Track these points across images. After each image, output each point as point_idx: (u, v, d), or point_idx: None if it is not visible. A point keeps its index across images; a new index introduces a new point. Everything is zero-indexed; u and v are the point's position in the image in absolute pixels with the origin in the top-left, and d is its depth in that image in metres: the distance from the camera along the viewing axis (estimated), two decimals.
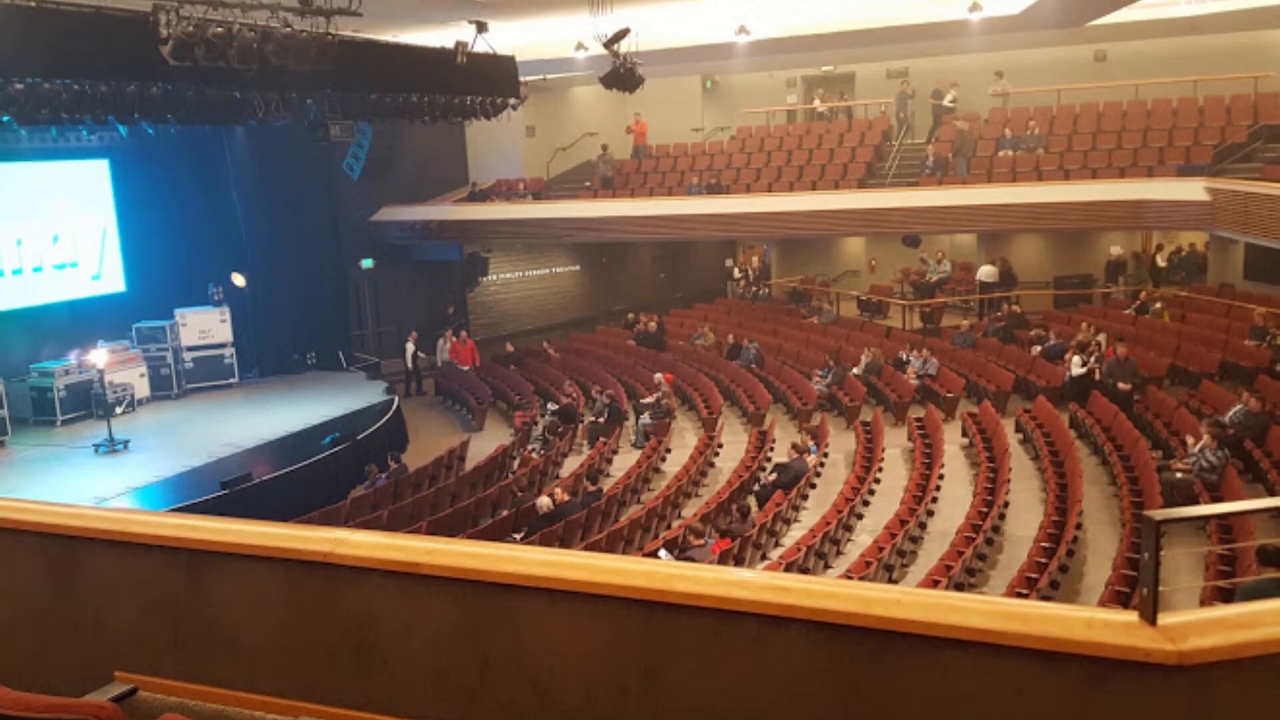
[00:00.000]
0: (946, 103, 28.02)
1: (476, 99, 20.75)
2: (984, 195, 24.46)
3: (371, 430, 20.06)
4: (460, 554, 3.55)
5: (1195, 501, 13.51)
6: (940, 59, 28.28)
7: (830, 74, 31.79)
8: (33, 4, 13.10)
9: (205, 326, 23.60)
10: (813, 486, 16.76)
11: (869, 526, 14.94)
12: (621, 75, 19.83)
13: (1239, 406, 15.55)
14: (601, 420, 20.98)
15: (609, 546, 14.02)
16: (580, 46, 23.01)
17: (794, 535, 14.91)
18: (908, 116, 29.04)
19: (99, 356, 19.89)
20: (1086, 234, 26.13)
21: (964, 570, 12.19)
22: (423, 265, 30.05)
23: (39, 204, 22.08)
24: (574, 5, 18.67)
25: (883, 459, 17.02)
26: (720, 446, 19.50)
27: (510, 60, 21.17)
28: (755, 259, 32.87)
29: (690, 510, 16.34)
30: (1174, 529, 3.44)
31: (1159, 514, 2.89)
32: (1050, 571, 11.74)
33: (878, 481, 16.39)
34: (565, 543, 14.29)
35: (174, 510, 14.40)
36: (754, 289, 31.41)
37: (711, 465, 18.74)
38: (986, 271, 25.55)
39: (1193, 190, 21.82)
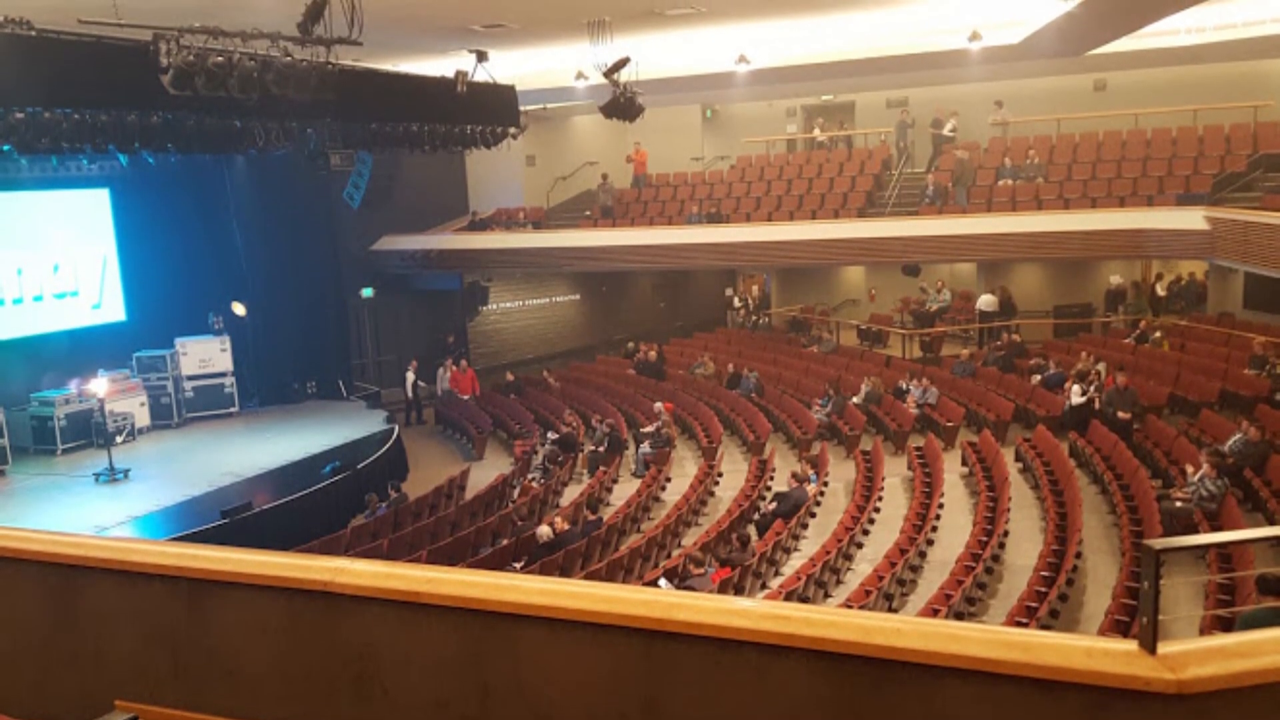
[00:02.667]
0: (946, 132, 28.11)
1: (476, 128, 20.79)
2: (983, 224, 24.52)
3: (372, 459, 20.05)
4: (460, 583, 3.55)
5: (1195, 530, 13.48)
6: (940, 88, 28.41)
7: (830, 103, 31.90)
8: (33, 33, 13.13)
9: (205, 355, 23.61)
10: (812, 515, 16.73)
11: (869, 555, 14.92)
12: (621, 104, 19.89)
13: (1238, 435, 15.55)
14: (601, 449, 20.95)
15: (609, 575, 13.98)
16: (580, 76, 23.10)
17: (794, 564, 14.87)
18: (907, 145, 29.14)
19: (99, 385, 19.90)
20: (1086, 263, 26.18)
21: (964, 599, 12.17)
22: (423, 294, 30.11)
23: (39, 233, 22.11)
24: (574, 35, 18.75)
25: (882, 488, 17.01)
26: (720, 475, 19.49)
27: (510, 89, 21.23)
28: (755, 288, 32.89)
29: (690, 539, 16.31)
30: (1173, 558, 3.44)
31: (1159, 543, 2.90)
32: (1050, 600, 11.72)
33: (877, 510, 16.37)
34: (565, 572, 14.27)
35: (174, 539, 14.39)
36: (754, 318, 31.41)
37: (711, 494, 18.72)
38: (986, 300, 25.58)
39: (1192, 219, 21.86)
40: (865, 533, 15.59)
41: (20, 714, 3.13)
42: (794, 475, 17.12)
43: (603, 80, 19.49)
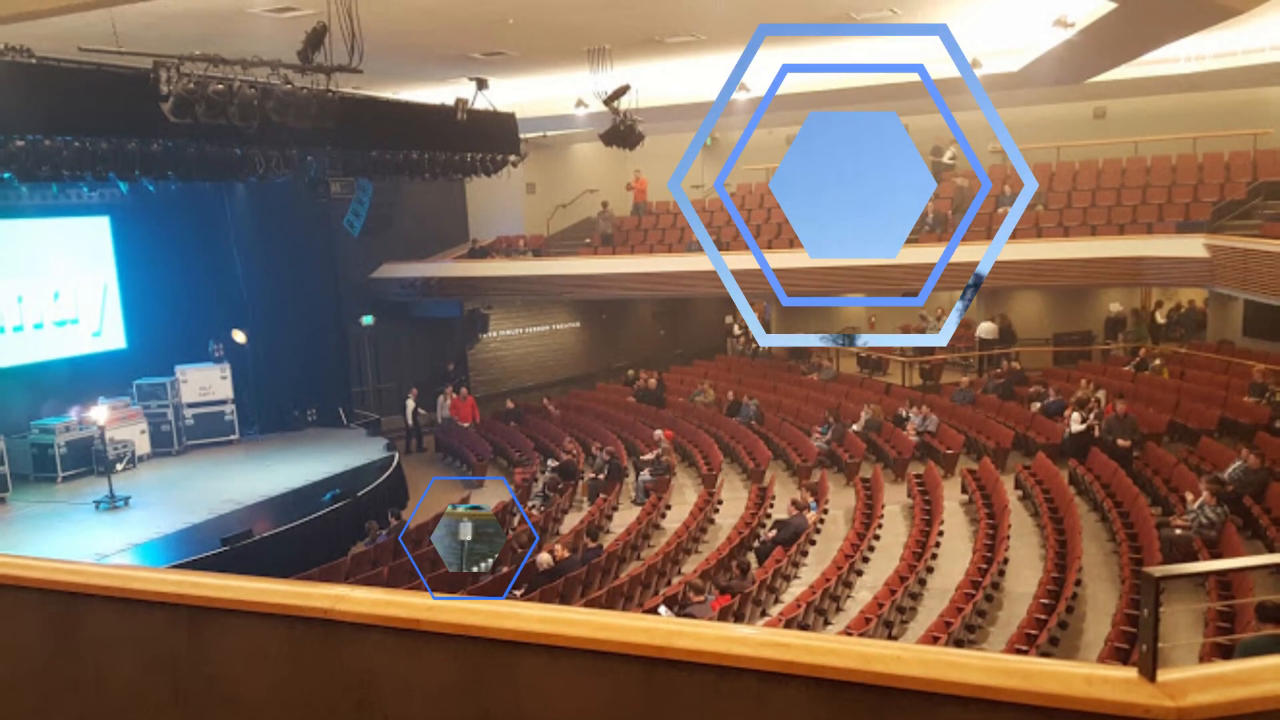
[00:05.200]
0: (946, 159, 28.16)
1: (477, 156, 20.87)
2: (983, 252, 24.44)
3: (372, 487, 20.02)
4: (460, 610, 3.55)
5: (1194, 558, 13.46)
6: (939, 116, 28.38)
7: None
8: (34, 61, 13.19)
9: (206, 383, 23.60)
10: (812, 543, 16.71)
11: (869, 583, 14.89)
12: (621, 132, 19.97)
13: (1238, 463, 15.53)
14: (601, 477, 20.94)
15: (609, 603, 13.96)
16: (580, 103, 23.16)
17: (794, 591, 14.86)
18: None
19: (100, 413, 19.91)
20: (1086, 291, 26.22)
21: (964, 626, 12.14)
22: (423, 322, 30.12)
23: (40, 261, 22.13)
24: (574, 62, 18.81)
25: (882, 515, 16.99)
26: (720, 503, 19.47)
27: (510, 117, 21.31)
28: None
29: (690, 567, 16.27)
30: (1173, 585, 3.44)
31: (1158, 570, 2.89)
32: (1050, 628, 11.70)
33: (877, 538, 16.35)
34: (565, 599, 14.24)
35: (174, 567, 14.38)
36: (754, 346, 31.42)
37: (711, 522, 18.70)
38: (986, 328, 25.61)
39: (1192, 247, 21.85)
40: (865, 560, 15.56)
41: None
42: (794, 502, 17.11)
43: (603, 108, 19.58)
